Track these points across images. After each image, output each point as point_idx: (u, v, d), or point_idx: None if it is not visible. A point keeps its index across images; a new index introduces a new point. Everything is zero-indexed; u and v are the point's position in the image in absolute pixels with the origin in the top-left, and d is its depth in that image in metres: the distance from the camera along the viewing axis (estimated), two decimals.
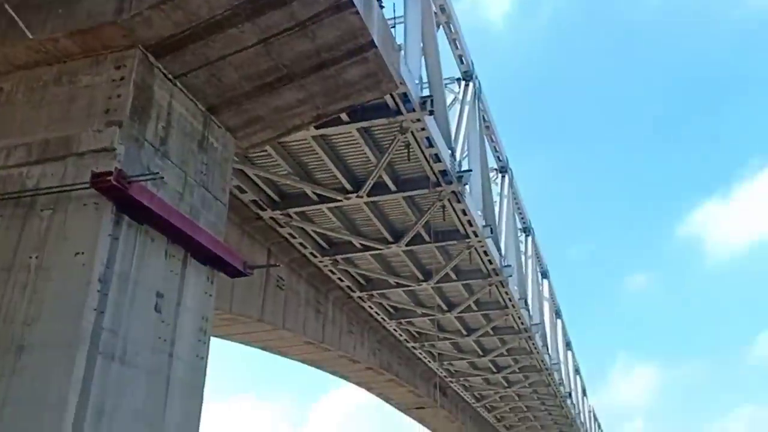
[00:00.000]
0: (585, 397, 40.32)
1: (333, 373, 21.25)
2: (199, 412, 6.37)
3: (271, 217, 13.07)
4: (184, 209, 6.47)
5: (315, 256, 14.86)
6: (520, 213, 22.51)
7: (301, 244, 14.26)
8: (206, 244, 6.54)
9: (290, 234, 13.79)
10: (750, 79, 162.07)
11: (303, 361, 19.96)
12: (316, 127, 10.16)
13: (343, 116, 10.17)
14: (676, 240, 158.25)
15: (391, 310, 19.25)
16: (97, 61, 6.29)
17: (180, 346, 6.14)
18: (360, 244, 14.59)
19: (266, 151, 11.28)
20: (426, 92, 10.96)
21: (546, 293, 26.94)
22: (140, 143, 6.05)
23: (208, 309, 6.74)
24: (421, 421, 28.98)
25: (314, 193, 12.55)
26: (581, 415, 37.58)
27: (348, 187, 12.26)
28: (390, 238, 14.33)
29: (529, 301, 21.53)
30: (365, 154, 11.59)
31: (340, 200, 12.53)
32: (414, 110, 10.10)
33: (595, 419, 47.18)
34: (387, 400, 25.92)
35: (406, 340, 21.19)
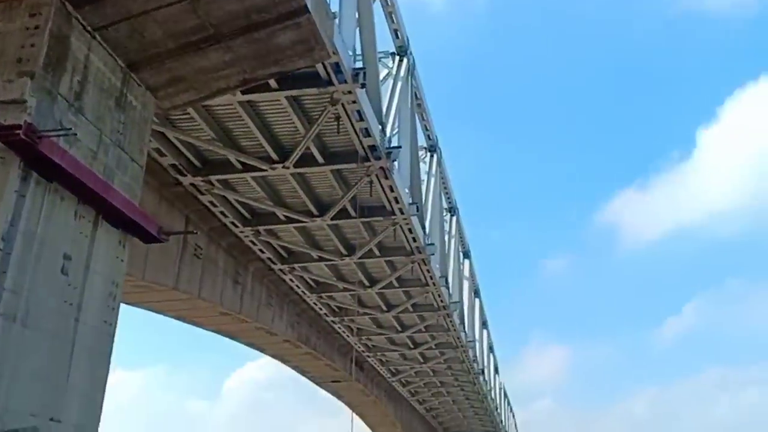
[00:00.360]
0: (497, 375, 41.63)
1: (249, 345, 21.01)
2: (105, 379, 6.19)
3: (192, 184, 12.65)
4: (97, 169, 6.17)
5: (236, 226, 14.53)
6: (447, 193, 22.75)
7: (222, 212, 13.90)
8: (119, 206, 6.26)
9: (211, 202, 13.41)
10: (681, 73, 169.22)
11: (219, 332, 19.63)
12: (243, 92, 9.85)
13: (272, 83, 9.90)
14: (594, 226, 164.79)
15: (313, 283, 19.14)
16: (10, 6, 5.83)
17: (87, 310, 5.92)
18: (284, 215, 14.37)
19: (189, 114, 10.86)
20: (359, 64, 10.81)
21: (467, 273, 27.47)
22: (53, 97, 5.70)
23: (118, 274, 6.50)
24: (335, 394, 29.20)
25: (238, 161, 12.21)
26: (492, 391, 38.81)
27: (274, 156, 11.99)
28: (315, 211, 14.17)
29: (450, 280, 21.90)
30: (293, 123, 11.35)
31: (265, 170, 12.25)
32: (346, 82, 9.92)
33: (505, 396, 48.86)
34: (303, 373, 25.92)
35: (326, 314, 21.15)
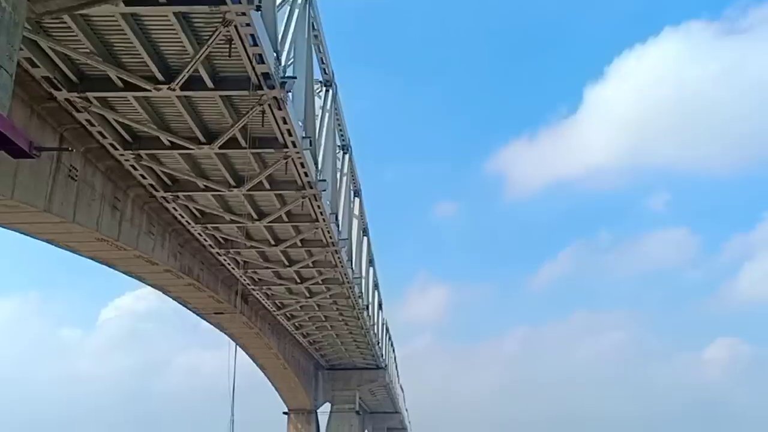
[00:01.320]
0: (381, 311, 42.76)
1: (128, 273, 20.16)
2: None
3: (67, 99, 11.70)
4: None
5: (115, 149, 13.69)
6: (341, 130, 22.50)
7: (100, 133, 13.01)
8: None
9: (88, 121, 12.50)
10: (574, 31, 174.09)
11: (96, 260, 18.67)
12: (126, 4, 9.10)
13: None
14: (484, 174, 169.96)
15: (198, 214, 18.54)
16: None
17: None
18: (168, 141, 13.65)
19: (66, 23, 9.93)
20: None
21: (356, 211, 27.61)
22: None
23: None
24: (218, 326, 28.89)
25: (119, 78, 11.37)
26: (375, 326, 39.86)
27: (159, 76, 11.25)
28: (202, 139, 13.56)
29: (340, 217, 21.92)
30: (182, 43, 10.64)
31: (149, 90, 11.49)
32: (240, 2, 9.37)
33: (387, 331, 50.42)
34: (185, 304, 25.35)
35: (211, 245, 20.64)
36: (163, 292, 23.87)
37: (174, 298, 24.76)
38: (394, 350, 59.44)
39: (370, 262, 34.09)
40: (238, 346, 33.29)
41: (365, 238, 30.86)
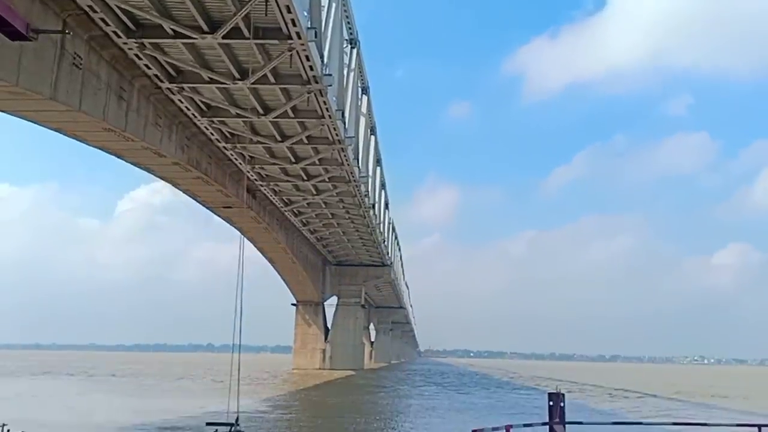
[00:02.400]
0: (387, 210, 43.30)
1: (136, 164, 20.40)
2: None
3: None
4: None
5: (119, 36, 13.53)
6: (348, 22, 21.98)
7: (102, 20, 12.84)
8: None
9: (90, 6, 12.31)
10: None
11: (104, 149, 18.85)
12: None
13: None
14: (501, 74, 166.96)
15: (203, 106, 18.54)
16: None
17: None
18: (171, 29, 13.48)
19: None
20: None
21: (364, 109, 27.42)
22: None
23: None
24: (228, 220, 29.45)
25: None
26: (381, 225, 40.52)
27: None
28: (205, 27, 13.37)
29: (347, 114, 21.83)
30: None
31: None
32: None
33: (393, 230, 51.28)
34: (194, 197, 25.77)
35: (217, 139, 20.75)
36: (173, 185, 24.23)
37: (183, 191, 25.15)
38: (399, 249, 60.65)
39: (378, 161, 34.20)
40: (246, 239, 34.11)
41: (373, 137, 30.81)
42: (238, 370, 10.78)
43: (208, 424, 9.59)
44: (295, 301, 48.45)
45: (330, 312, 49.02)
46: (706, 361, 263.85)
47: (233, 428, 9.24)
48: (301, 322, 48.28)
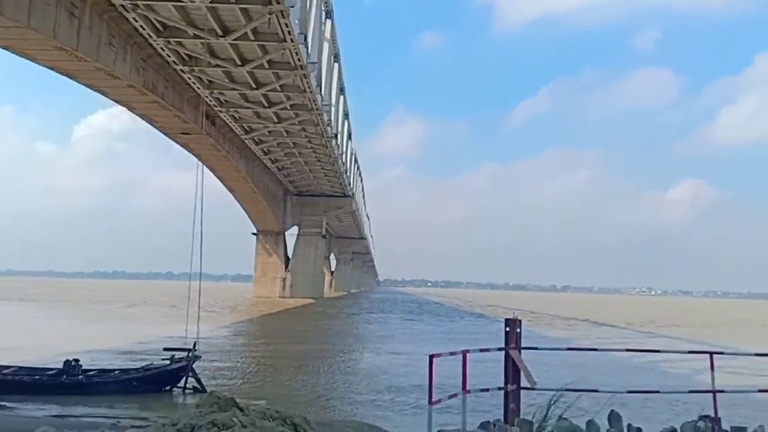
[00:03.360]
0: (350, 141, 42.87)
1: (90, 86, 19.67)
2: None
3: None
4: None
5: None
6: None
7: None
8: None
9: None
10: None
11: (55, 70, 18.07)
12: None
13: None
14: (473, 4, 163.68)
15: (159, 26, 17.79)
16: None
17: None
18: None
19: None
20: None
21: (328, 34, 26.65)
22: None
23: None
24: (186, 146, 28.83)
25: None
26: (344, 156, 40.21)
27: None
28: None
29: (309, 39, 21.20)
30: None
31: None
32: None
33: (356, 161, 50.97)
34: (151, 122, 25.10)
35: (174, 62, 20.05)
36: (129, 109, 23.51)
37: (140, 116, 24.45)
38: (362, 180, 60.56)
39: (341, 90, 33.55)
40: (206, 168, 33.57)
41: (336, 65, 30.11)
42: (199, 296, 10.76)
43: (165, 349, 9.65)
44: (255, 231, 48.34)
45: (291, 242, 49.15)
46: (653, 293, 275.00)
47: (191, 353, 9.32)
48: (261, 252, 48.32)
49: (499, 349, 6.02)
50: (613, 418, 6.07)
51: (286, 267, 48.10)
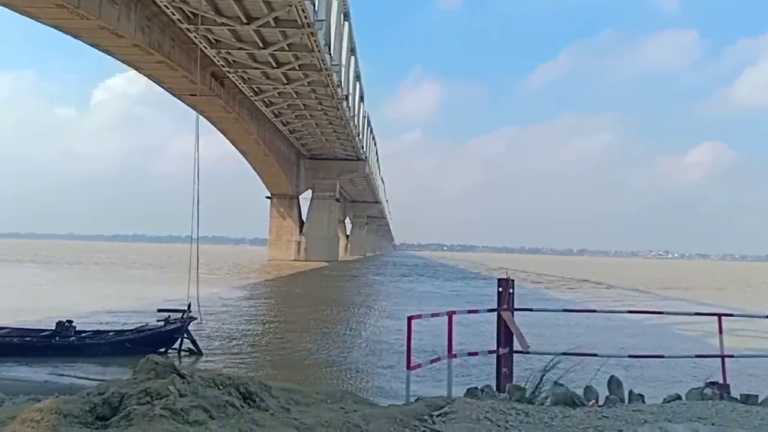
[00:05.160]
0: (362, 103, 42.35)
1: (96, 46, 19.44)
2: None
3: None
4: None
5: None
6: None
7: None
8: None
9: None
10: None
11: (59, 29, 17.85)
12: None
13: None
14: None
15: None
16: None
17: None
18: None
19: None
20: None
21: None
22: None
23: None
24: (195, 107, 28.46)
25: None
26: (356, 118, 39.74)
27: None
28: None
29: None
30: None
31: None
32: None
33: (369, 124, 50.48)
34: (159, 83, 24.85)
35: (179, 20, 19.68)
36: (136, 69, 23.26)
37: (147, 77, 24.20)
38: (375, 143, 60.04)
39: (352, 50, 32.92)
40: (218, 131, 33.38)
41: (346, 23, 29.49)
42: (197, 258, 10.62)
43: (160, 310, 9.56)
44: (269, 195, 48.26)
45: (305, 206, 49.05)
46: (670, 256, 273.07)
47: (185, 314, 9.22)
48: (275, 215, 48.30)
49: (490, 311, 5.80)
50: (614, 384, 5.74)
51: (301, 230, 48.10)
